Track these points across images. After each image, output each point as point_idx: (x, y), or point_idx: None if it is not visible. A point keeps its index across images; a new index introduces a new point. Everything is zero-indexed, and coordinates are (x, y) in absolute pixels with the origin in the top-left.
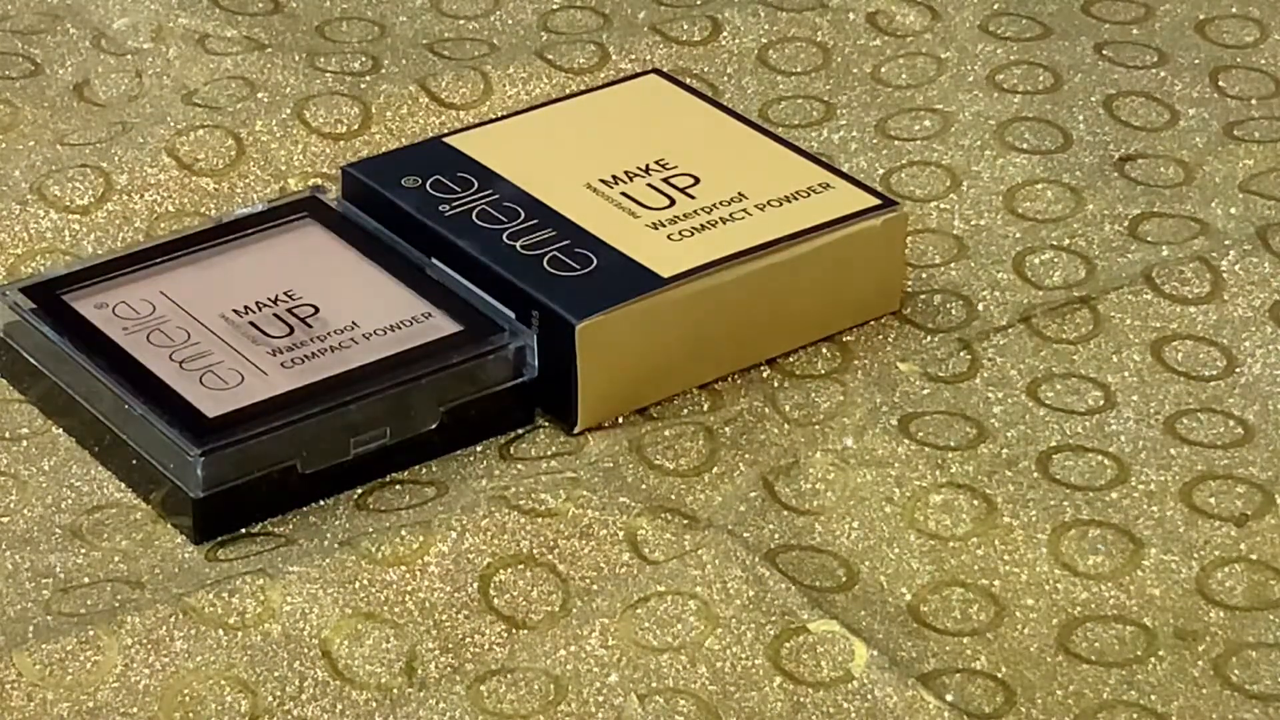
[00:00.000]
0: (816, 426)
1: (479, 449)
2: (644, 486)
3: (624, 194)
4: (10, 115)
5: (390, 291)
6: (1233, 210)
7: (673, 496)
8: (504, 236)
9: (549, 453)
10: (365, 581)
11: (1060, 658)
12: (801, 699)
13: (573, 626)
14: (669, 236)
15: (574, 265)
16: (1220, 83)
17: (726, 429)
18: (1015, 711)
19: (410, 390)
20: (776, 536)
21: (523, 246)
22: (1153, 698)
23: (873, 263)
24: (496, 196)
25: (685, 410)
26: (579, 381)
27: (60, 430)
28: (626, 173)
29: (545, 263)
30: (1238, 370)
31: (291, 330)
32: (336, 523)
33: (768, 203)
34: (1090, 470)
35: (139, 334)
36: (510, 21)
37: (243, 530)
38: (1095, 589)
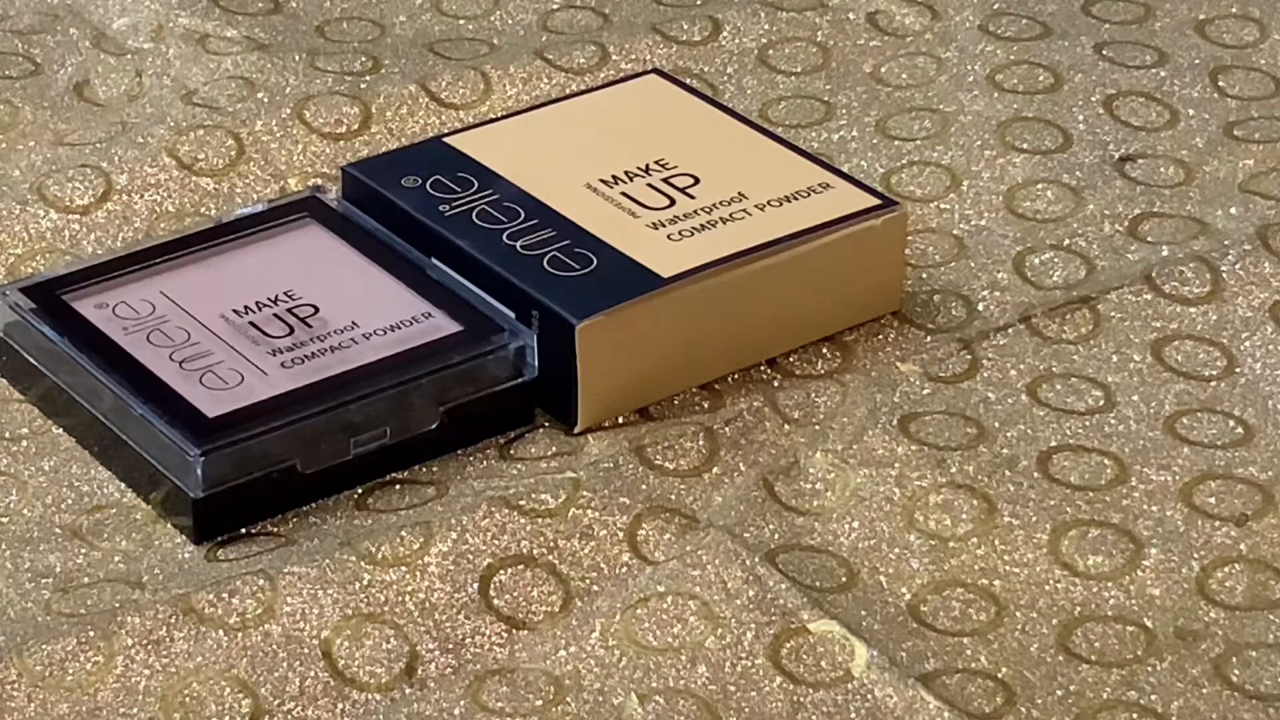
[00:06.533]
0: (816, 426)
1: (479, 449)
2: (644, 486)
3: (624, 194)
4: (10, 115)
5: (390, 291)
6: (1233, 210)
7: (673, 496)
8: (504, 236)
9: (549, 453)
10: (365, 581)
11: (1060, 658)
12: (801, 699)
13: (573, 626)
14: (669, 236)
15: (574, 265)
16: (1220, 83)
17: (726, 429)
18: (1015, 711)
19: (410, 390)
20: (776, 536)
21: (523, 246)
22: (1153, 698)
23: (873, 263)
24: (496, 196)
25: (685, 410)
26: (579, 381)
27: (60, 430)
28: (626, 173)
29: (545, 263)
30: (1238, 370)
31: (292, 330)
32: (336, 523)
33: (768, 203)
34: (1090, 470)
35: (139, 334)
36: (510, 21)
37: (243, 530)
38: (1095, 589)
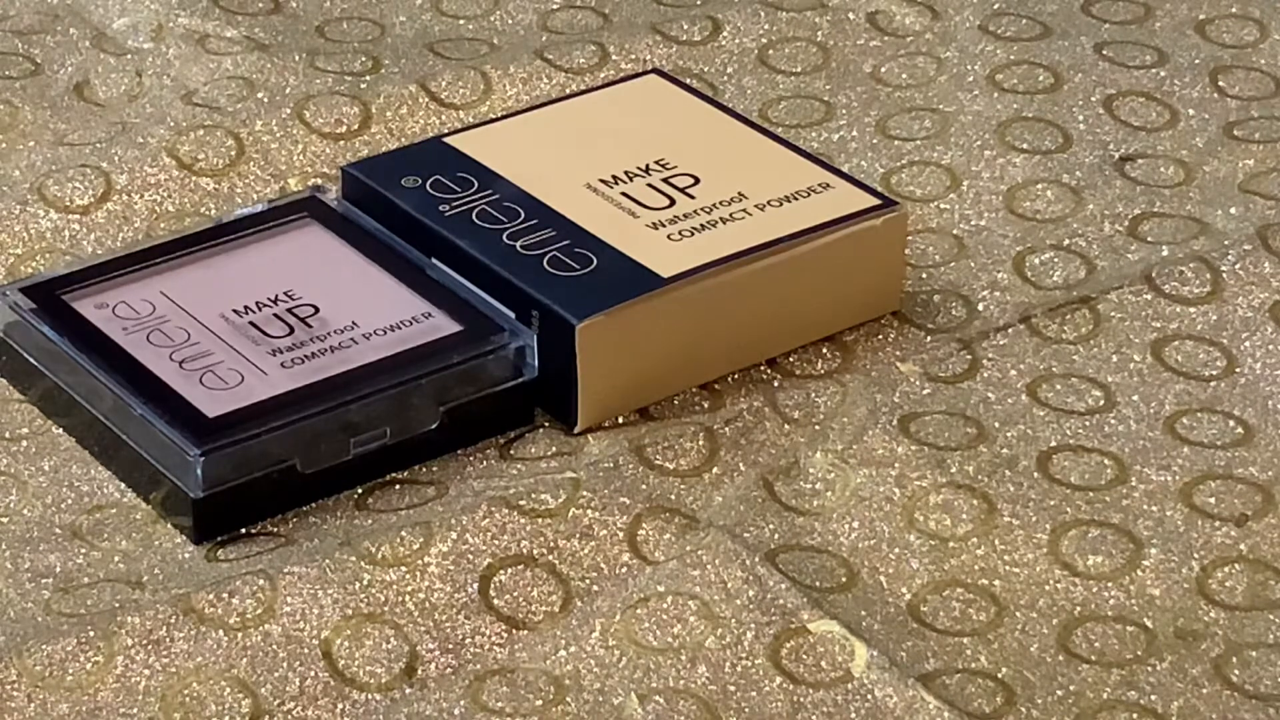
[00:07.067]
0: (816, 426)
1: (479, 449)
2: (644, 486)
3: (624, 194)
4: (10, 115)
5: (390, 291)
6: (1233, 210)
7: (673, 496)
8: (504, 236)
9: (549, 453)
10: (365, 581)
11: (1060, 658)
12: (801, 699)
13: (573, 626)
14: (669, 236)
15: (574, 265)
16: (1220, 83)
17: (726, 429)
18: (1015, 711)
19: (410, 390)
20: (776, 536)
21: (523, 246)
22: (1153, 698)
23: (873, 263)
24: (496, 196)
25: (685, 410)
26: (579, 381)
27: (60, 430)
28: (626, 173)
29: (545, 263)
30: (1238, 370)
31: (292, 330)
32: (336, 523)
33: (768, 203)
34: (1090, 470)
35: (139, 334)
36: (510, 21)
37: (243, 530)
38: (1095, 589)
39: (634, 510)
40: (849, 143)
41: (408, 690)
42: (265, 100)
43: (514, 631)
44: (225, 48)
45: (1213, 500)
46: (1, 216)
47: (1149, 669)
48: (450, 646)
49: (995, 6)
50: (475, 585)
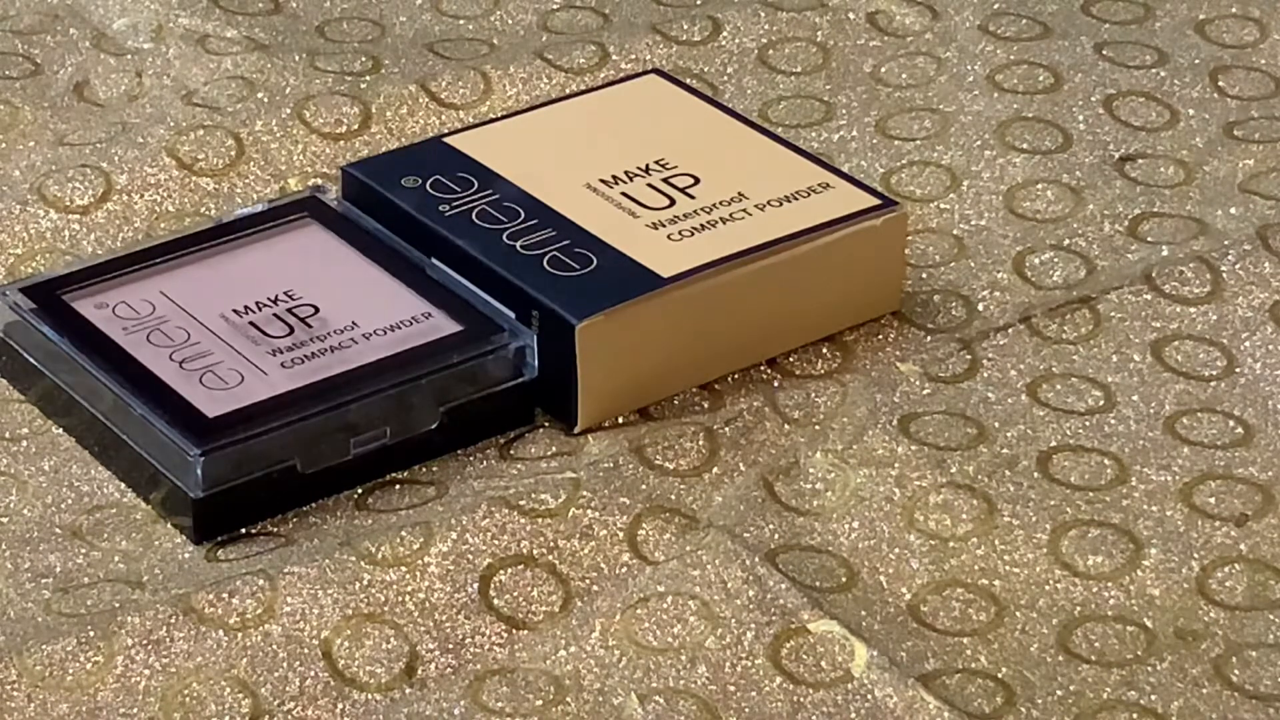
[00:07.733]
0: (816, 426)
1: (479, 449)
2: (644, 486)
3: (624, 194)
4: (10, 115)
5: (390, 291)
6: (1233, 210)
7: (673, 496)
8: (504, 236)
9: (549, 453)
10: (365, 581)
11: (1060, 658)
12: (801, 699)
13: (573, 626)
14: (669, 236)
15: (574, 265)
16: (1220, 83)
17: (726, 429)
18: (1015, 711)
19: (410, 390)
20: (776, 536)
21: (523, 246)
22: (1153, 698)
23: (873, 263)
24: (496, 196)
25: (685, 410)
26: (579, 381)
27: (60, 430)
28: (626, 173)
29: (545, 263)
30: (1238, 370)
31: (291, 330)
32: (336, 523)
33: (768, 203)
34: (1090, 470)
35: (139, 334)
36: (510, 21)
37: (243, 530)
38: (1095, 589)
39: (634, 510)
40: (849, 143)
41: (408, 690)
42: (265, 100)
43: (514, 631)
44: (225, 48)
45: (1213, 500)
46: (1, 216)
47: (1149, 669)
48: (450, 646)
49: (995, 6)
50: (475, 585)
